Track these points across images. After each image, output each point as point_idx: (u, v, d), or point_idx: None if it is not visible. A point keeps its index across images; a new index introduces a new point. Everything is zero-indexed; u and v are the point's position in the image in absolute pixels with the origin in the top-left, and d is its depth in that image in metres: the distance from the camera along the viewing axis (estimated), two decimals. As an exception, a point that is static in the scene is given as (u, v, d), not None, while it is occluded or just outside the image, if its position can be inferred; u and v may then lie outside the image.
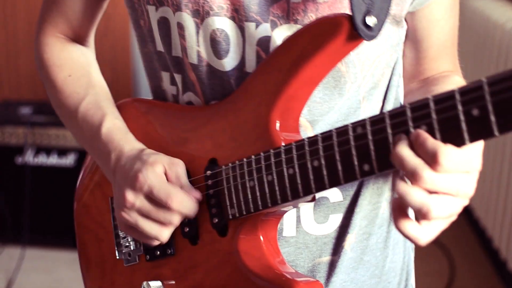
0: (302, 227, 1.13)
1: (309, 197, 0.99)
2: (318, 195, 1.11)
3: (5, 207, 3.45)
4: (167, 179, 1.05)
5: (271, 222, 1.04)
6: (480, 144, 0.84)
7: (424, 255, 3.28)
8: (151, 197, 1.04)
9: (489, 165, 3.05)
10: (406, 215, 0.85)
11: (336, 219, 1.15)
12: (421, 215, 0.83)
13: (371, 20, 0.92)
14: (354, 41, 0.95)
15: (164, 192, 1.03)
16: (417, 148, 0.82)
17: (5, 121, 3.47)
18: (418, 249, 3.33)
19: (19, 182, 3.42)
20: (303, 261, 1.14)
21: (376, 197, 1.16)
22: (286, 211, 1.06)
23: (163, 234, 1.06)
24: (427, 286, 3.09)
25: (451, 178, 0.82)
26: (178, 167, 1.07)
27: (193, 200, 1.05)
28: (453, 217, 0.86)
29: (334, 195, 1.14)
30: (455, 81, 1.15)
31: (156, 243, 1.08)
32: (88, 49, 1.30)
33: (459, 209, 0.85)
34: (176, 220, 1.05)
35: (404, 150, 0.83)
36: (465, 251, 3.32)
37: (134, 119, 1.19)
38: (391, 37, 1.10)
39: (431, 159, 0.80)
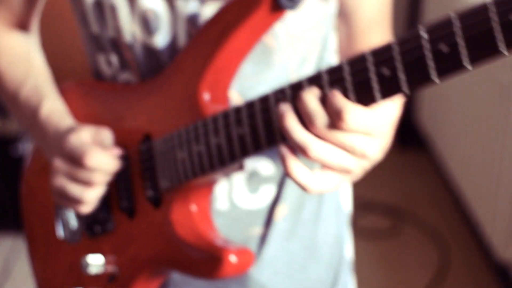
0: (234, 200, 1.15)
1: (237, 165, 1.01)
2: (248, 166, 1.14)
3: (5, 195, 3.48)
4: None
5: (203, 192, 1.06)
6: (387, 111, 0.85)
7: (415, 245, 3.30)
8: (72, 159, 1.08)
9: (485, 156, 3.05)
10: (296, 159, 0.86)
11: (268, 191, 1.17)
12: (300, 151, 0.85)
13: None
14: (276, 12, 0.96)
15: (80, 150, 1.07)
16: (326, 106, 0.83)
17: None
18: (411, 240, 3.29)
19: (17, 171, 3.45)
20: (236, 233, 1.16)
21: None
22: (217, 180, 1.07)
23: (86, 194, 1.09)
24: (416, 276, 3.10)
25: (348, 136, 0.83)
26: (103, 133, 1.10)
27: (109, 156, 1.08)
28: (349, 174, 0.87)
29: (265, 168, 1.15)
30: None
31: (83, 208, 1.11)
32: (30, 35, 1.31)
33: (352, 166, 0.85)
34: (97, 178, 1.08)
35: (308, 95, 0.84)
36: (459, 240, 3.31)
37: (75, 101, 1.22)
38: (317, 11, 1.11)
39: (336, 116, 0.82)
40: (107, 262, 1.15)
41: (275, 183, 1.17)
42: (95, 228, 1.17)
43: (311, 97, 0.84)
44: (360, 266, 3.61)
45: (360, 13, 1.16)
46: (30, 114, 1.20)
